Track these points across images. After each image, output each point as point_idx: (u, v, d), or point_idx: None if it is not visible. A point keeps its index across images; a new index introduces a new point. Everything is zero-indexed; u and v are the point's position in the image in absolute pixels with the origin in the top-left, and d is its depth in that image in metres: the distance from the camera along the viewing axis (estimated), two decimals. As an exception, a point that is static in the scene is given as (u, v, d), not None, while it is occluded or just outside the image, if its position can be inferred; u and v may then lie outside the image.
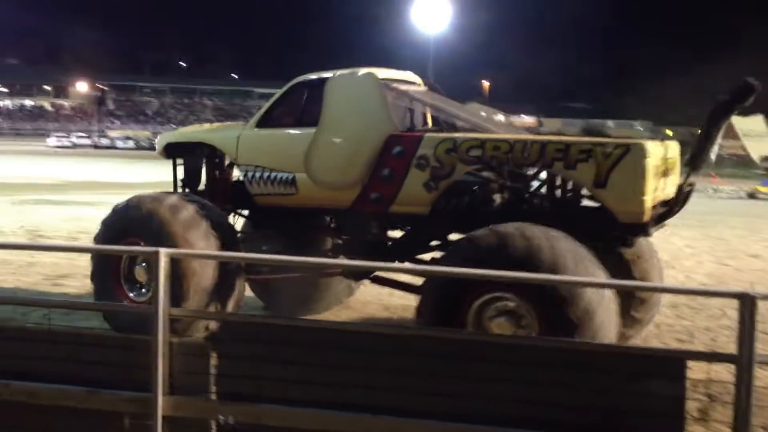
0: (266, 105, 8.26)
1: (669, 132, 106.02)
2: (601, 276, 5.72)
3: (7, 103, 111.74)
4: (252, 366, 4.40)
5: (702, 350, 7.46)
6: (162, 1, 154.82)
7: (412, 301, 7.07)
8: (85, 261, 11.14)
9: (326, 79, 7.74)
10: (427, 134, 7.18)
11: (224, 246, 7.15)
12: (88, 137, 78.21)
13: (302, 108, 7.87)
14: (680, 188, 6.83)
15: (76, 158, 44.01)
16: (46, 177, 30.54)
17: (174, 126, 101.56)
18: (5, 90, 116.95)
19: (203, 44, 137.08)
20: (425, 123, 8.13)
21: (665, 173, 6.67)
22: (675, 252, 14.68)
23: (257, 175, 7.94)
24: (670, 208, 6.80)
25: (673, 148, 6.96)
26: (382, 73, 7.80)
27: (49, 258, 11.19)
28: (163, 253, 4.45)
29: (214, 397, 4.45)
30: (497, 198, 7.04)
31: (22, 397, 4.49)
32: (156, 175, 31.27)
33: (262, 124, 8.12)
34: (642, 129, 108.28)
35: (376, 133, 7.25)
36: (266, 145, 8.01)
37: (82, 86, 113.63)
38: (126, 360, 4.52)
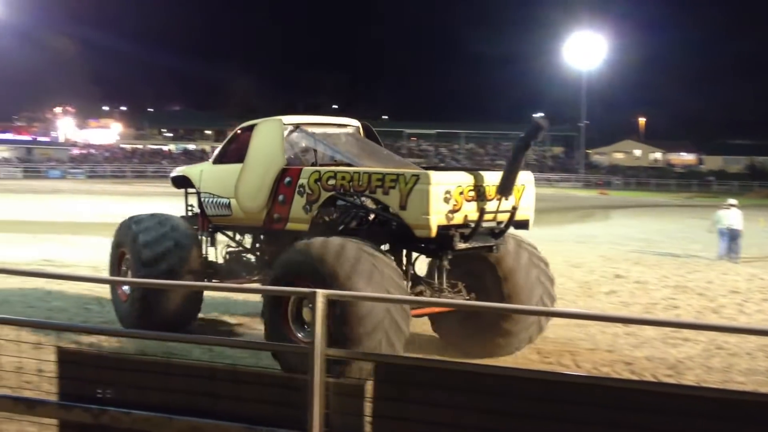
0: (221, 146, 10.42)
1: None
2: (379, 281, 7.26)
3: (171, 147, 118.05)
4: (406, 408, 4.33)
5: None
6: (316, 47, 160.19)
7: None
8: (243, 298, 11.50)
9: (255, 124, 9.75)
10: (305, 167, 8.97)
11: (186, 247, 9.65)
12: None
13: (239, 148, 9.78)
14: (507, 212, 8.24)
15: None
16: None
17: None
18: (170, 135, 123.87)
19: (355, 87, 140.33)
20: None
21: (475, 198, 7.95)
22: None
23: (210, 200, 10.16)
24: (505, 226, 8.35)
25: (489, 178, 8.07)
26: (309, 119, 9.88)
27: (216, 294, 11.56)
28: (320, 294, 4.47)
29: (369, 438, 4.40)
30: (354, 218, 8.53)
31: (186, 432, 4.58)
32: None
33: (216, 160, 10.33)
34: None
35: (274, 167, 9.09)
36: (216, 177, 10.12)
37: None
38: (283, 398, 4.55)
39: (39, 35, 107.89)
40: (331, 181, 8.48)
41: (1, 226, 23.34)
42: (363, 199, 8.32)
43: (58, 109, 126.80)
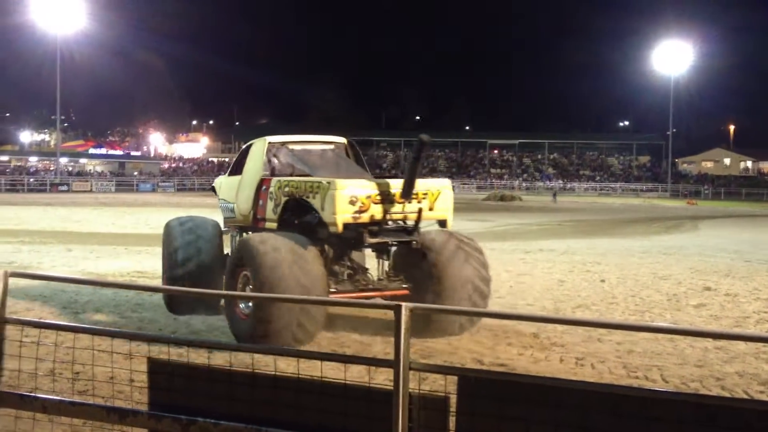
0: (234, 159, 12.64)
1: None
2: (289, 261, 9.32)
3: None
4: (492, 424, 4.30)
5: None
6: (398, 60, 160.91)
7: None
8: (339, 310, 11.57)
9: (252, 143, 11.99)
10: (274, 178, 10.93)
11: (207, 240, 11.64)
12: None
13: (242, 162, 11.94)
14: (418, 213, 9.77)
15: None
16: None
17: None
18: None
19: (439, 98, 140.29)
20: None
21: (381, 202, 9.53)
22: None
23: (224, 205, 12.38)
24: (416, 224, 9.92)
25: (395, 185, 9.62)
26: (296, 137, 11.96)
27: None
28: (405, 306, 4.49)
29: (453, 453, 4.39)
30: (305, 218, 10.51)
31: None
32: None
33: (230, 172, 12.54)
34: None
35: (256, 177, 11.25)
36: (227, 186, 12.36)
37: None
38: (368, 411, 4.58)
39: (130, 53, 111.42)
40: (287, 189, 10.35)
41: (96, 239, 24.16)
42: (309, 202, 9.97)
43: (148, 125, 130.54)
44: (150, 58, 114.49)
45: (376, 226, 9.72)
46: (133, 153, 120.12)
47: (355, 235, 9.83)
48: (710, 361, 9.16)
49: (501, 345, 9.71)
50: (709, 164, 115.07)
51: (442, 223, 10.13)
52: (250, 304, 9.48)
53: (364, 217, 9.51)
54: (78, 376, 7.02)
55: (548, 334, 10.29)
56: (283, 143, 11.66)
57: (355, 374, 7.15)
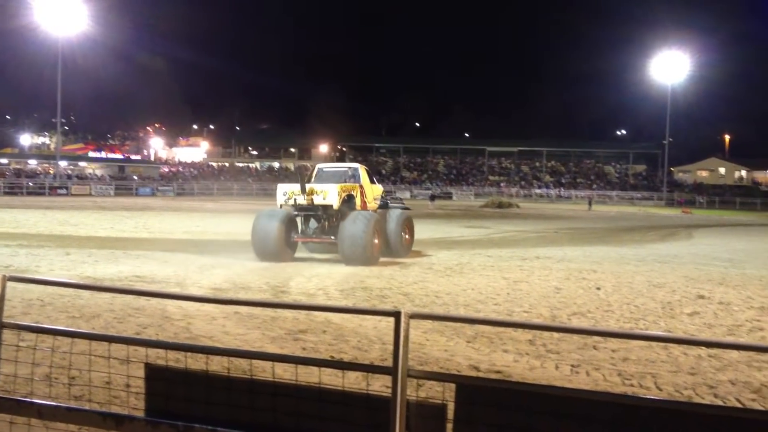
0: (308, 175, 21.90)
1: None
2: (257, 223, 19.81)
3: (257, 164, 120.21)
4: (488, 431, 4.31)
5: None
6: (397, 68, 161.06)
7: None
8: (322, 317, 11.60)
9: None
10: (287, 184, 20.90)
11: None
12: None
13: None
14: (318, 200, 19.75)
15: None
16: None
17: (405, 186, 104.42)
18: (255, 153, 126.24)
19: (436, 106, 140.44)
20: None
21: (295, 195, 19.50)
22: None
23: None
24: (312, 206, 19.86)
25: (295, 188, 19.67)
26: (330, 164, 22.55)
27: (291, 313, 11.67)
28: (404, 314, 4.50)
29: (450, 461, 4.39)
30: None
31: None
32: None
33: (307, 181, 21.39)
34: None
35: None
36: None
37: (323, 148, 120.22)
38: (366, 418, 4.58)
39: (132, 56, 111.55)
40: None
41: (94, 243, 24.12)
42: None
43: (149, 129, 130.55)
44: (152, 61, 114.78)
45: (293, 207, 19.74)
46: (132, 157, 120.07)
47: (291, 210, 19.77)
48: (703, 369, 9.17)
49: (497, 352, 9.71)
50: (705, 173, 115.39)
51: (331, 207, 19.58)
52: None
53: (290, 202, 19.50)
54: (74, 381, 7.01)
55: (544, 341, 10.29)
56: (321, 167, 21.28)
57: (352, 380, 7.18)
